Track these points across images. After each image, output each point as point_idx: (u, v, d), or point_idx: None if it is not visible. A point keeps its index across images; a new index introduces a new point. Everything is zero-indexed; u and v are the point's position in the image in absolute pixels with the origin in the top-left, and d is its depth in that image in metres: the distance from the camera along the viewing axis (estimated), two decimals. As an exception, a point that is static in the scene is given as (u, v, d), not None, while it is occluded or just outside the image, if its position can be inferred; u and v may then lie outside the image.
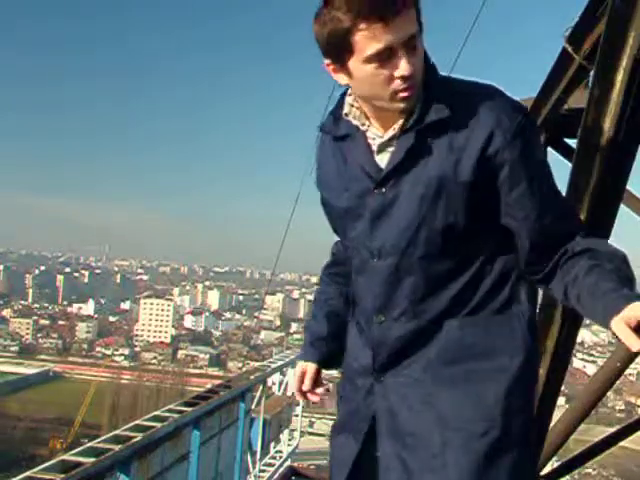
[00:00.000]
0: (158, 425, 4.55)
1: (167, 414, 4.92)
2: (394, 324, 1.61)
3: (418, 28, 1.46)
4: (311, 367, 1.84)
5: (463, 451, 1.56)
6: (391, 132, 1.56)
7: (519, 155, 1.51)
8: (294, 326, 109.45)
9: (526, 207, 1.54)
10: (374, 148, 1.59)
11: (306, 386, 1.84)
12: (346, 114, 1.61)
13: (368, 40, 1.42)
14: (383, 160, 1.58)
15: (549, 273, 1.57)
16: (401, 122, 1.54)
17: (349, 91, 1.62)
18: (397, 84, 1.46)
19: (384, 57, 1.44)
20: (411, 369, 1.62)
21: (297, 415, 10.95)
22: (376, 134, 1.60)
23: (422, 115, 1.52)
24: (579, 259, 1.52)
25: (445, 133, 1.52)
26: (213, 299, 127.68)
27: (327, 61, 1.53)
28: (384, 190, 1.56)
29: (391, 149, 1.57)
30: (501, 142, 1.50)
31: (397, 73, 1.45)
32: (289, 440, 10.43)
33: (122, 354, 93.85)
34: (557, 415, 2.91)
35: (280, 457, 9.81)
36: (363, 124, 1.60)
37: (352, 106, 1.61)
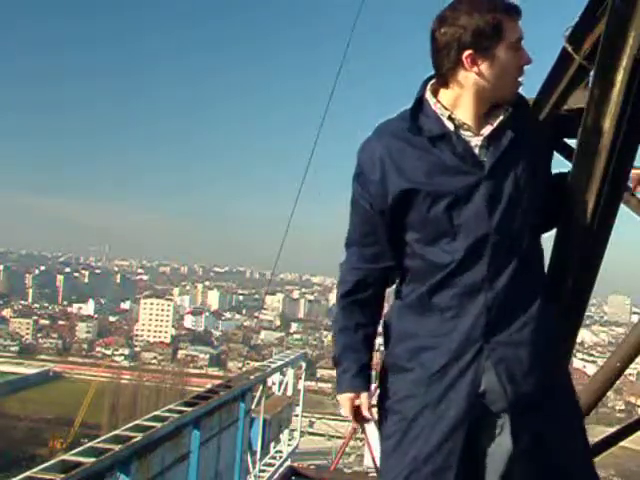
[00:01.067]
0: (158, 425, 4.55)
1: (167, 414, 4.92)
2: (502, 291, 1.84)
3: None
4: (364, 396, 1.99)
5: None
6: (488, 128, 1.87)
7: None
8: (294, 326, 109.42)
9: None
10: (473, 144, 1.86)
11: (369, 415, 2.02)
12: (443, 115, 1.87)
13: (513, 30, 1.81)
14: (482, 153, 1.86)
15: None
16: (500, 118, 1.87)
17: (431, 97, 1.89)
18: (522, 71, 1.86)
19: (519, 46, 1.83)
20: (522, 333, 1.85)
21: (297, 415, 10.96)
22: (471, 132, 1.87)
23: (512, 113, 1.88)
24: None
25: (525, 124, 1.90)
26: (213, 299, 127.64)
27: (469, 52, 1.80)
28: (490, 180, 1.83)
29: (486, 143, 1.86)
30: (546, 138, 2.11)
31: (523, 62, 1.85)
32: (289, 440, 10.43)
33: (122, 354, 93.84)
34: (557, 415, 2.91)
35: (280, 457, 9.81)
36: (460, 125, 1.86)
37: (445, 109, 1.88)
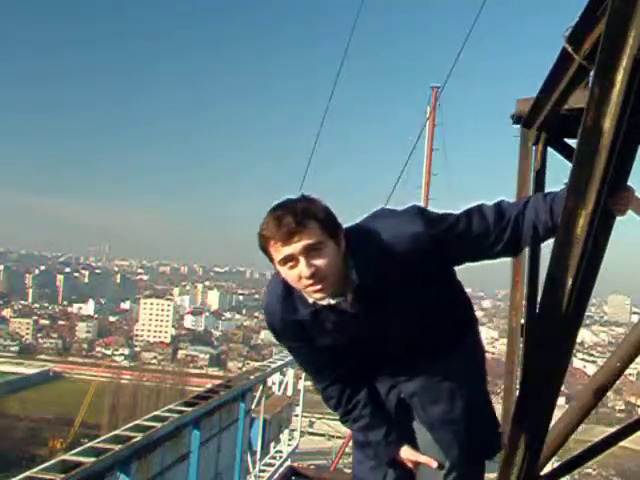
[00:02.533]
0: (158, 425, 4.55)
1: (167, 414, 4.92)
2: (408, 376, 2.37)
3: (325, 236, 1.97)
4: (406, 449, 2.40)
5: None
6: (348, 298, 2.09)
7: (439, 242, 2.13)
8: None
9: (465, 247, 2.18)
10: (344, 306, 2.12)
11: (424, 459, 2.39)
12: (314, 302, 2.12)
13: (277, 251, 1.97)
14: (354, 306, 2.12)
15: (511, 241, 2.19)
16: (349, 293, 2.09)
17: None
18: (304, 282, 1.99)
19: (291, 262, 1.98)
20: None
21: (297, 415, 10.96)
22: (342, 302, 2.12)
23: (357, 280, 2.06)
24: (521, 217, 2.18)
25: (380, 268, 2.06)
26: (213, 299, 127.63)
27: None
28: (361, 318, 2.12)
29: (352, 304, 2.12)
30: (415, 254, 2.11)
31: (296, 276, 1.98)
32: (289, 440, 10.44)
33: (122, 354, 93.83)
34: (557, 415, 2.91)
35: (280, 457, 9.82)
36: (330, 302, 2.10)
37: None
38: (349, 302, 2.08)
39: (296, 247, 1.94)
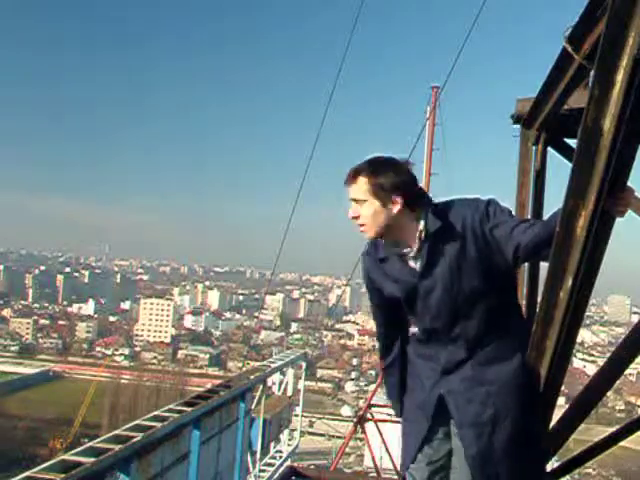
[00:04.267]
0: (158, 425, 4.54)
1: (167, 414, 4.91)
2: (449, 359, 2.57)
3: (369, 194, 2.42)
4: None
5: None
6: (415, 247, 2.48)
7: (490, 219, 2.44)
8: (294, 326, 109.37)
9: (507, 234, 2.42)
10: (407, 258, 2.53)
11: None
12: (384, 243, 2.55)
13: (348, 192, 2.49)
14: (417, 264, 2.51)
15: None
16: (417, 241, 2.47)
17: None
18: (355, 221, 2.49)
19: (351, 204, 2.48)
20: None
21: (297, 415, 10.95)
22: (406, 250, 2.52)
23: (428, 230, 2.44)
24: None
25: (448, 234, 2.44)
26: (213, 299, 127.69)
27: None
28: (424, 281, 2.48)
29: (417, 255, 2.50)
30: (477, 220, 2.44)
31: (349, 213, 2.50)
32: (289, 440, 10.43)
33: (122, 354, 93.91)
34: (557, 415, 2.91)
35: (280, 457, 9.81)
36: (397, 248, 2.53)
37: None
38: (414, 250, 2.48)
39: (348, 194, 2.47)
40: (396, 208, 2.42)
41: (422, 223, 2.44)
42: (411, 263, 2.50)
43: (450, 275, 2.44)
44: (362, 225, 2.45)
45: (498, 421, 2.48)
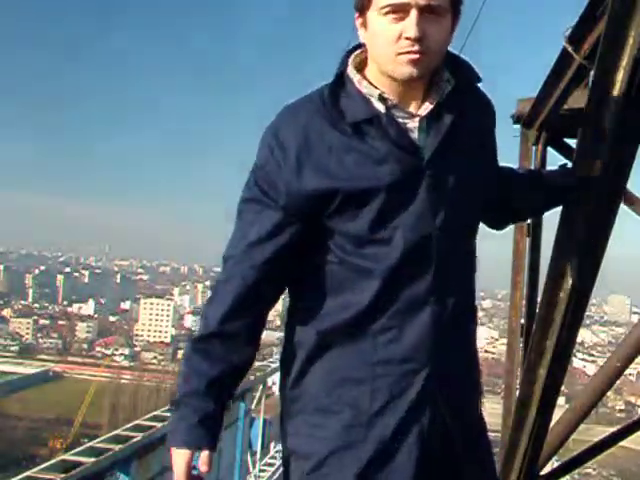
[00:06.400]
0: (158, 425, 4.55)
1: (167, 414, 4.91)
2: (450, 305, 1.54)
3: (448, 7, 1.47)
4: (205, 455, 1.62)
5: None
6: (426, 107, 1.52)
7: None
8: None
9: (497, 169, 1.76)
10: (410, 126, 1.52)
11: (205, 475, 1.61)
12: (371, 95, 1.51)
13: None
14: (420, 138, 1.52)
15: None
16: (435, 96, 1.53)
17: (354, 73, 1.54)
18: (402, 44, 1.44)
19: (398, 14, 1.43)
20: (461, 357, 1.61)
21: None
22: (404, 112, 1.53)
23: (457, 88, 1.53)
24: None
25: (472, 102, 1.61)
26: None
27: (356, 14, 1.52)
28: (432, 167, 1.50)
29: (425, 125, 1.53)
30: (493, 122, 1.71)
31: (404, 34, 1.43)
32: (289, 440, 10.42)
33: (122, 354, 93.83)
34: (557, 415, 2.91)
35: (280, 457, 9.81)
36: (393, 105, 1.52)
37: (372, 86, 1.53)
38: (425, 109, 1.52)
39: None
40: (452, 36, 1.52)
41: (446, 73, 1.53)
42: (412, 135, 1.52)
43: (469, 169, 1.56)
44: (422, 54, 1.43)
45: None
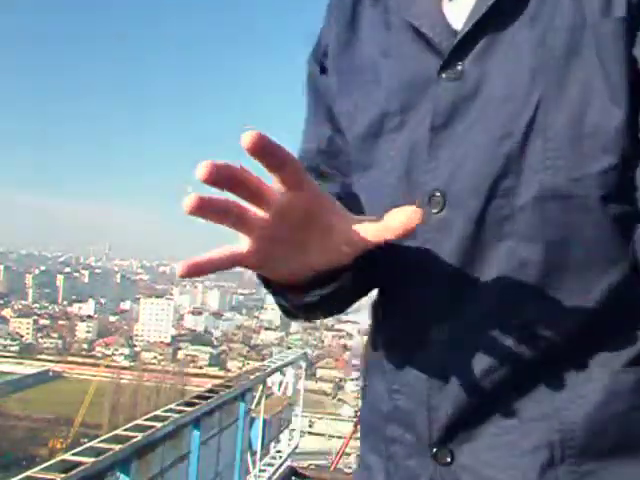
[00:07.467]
0: (158, 425, 4.54)
1: (167, 414, 4.91)
2: (469, 342, 0.76)
3: None
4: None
5: None
6: None
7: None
8: (294, 326, 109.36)
9: None
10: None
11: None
12: None
13: None
14: (458, 17, 0.78)
15: None
16: None
17: None
18: None
19: None
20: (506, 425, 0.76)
21: (297, 415, 10.96)
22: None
23: None
24: None
25: None
26: (213, 299, 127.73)
27: None
28: (460, 69, 0.76)
29: None
30: None
31: None
32: (289, 440, 10.43)
33: (122, 354, 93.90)
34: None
35: (280, 457, 9.81)
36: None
37: None
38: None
39: None
40: None
41: None
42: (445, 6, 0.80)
43: (538, 69, 0.72)
44: None
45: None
